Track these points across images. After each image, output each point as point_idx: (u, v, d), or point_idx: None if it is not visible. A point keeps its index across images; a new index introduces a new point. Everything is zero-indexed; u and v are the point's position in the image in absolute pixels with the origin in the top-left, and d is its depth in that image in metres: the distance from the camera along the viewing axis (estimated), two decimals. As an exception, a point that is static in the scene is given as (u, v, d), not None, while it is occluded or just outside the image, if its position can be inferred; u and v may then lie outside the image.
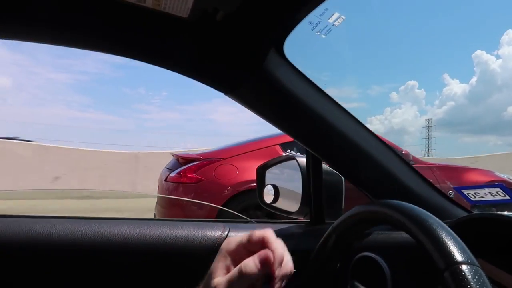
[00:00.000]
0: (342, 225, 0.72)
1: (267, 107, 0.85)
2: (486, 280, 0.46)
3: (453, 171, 4.02)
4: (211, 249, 0.88)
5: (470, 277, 0.46)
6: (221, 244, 0.88)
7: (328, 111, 0.86)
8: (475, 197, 1.15)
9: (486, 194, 1.13)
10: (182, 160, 3.63)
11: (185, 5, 0.63)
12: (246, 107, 0.84)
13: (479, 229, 0.77)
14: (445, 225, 0.54)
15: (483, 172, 4.07)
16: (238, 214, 1.31)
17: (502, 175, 4.10)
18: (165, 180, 3.56)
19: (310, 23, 0.70)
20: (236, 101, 0.83)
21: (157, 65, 0.78)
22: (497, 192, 1.12)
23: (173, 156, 4.05)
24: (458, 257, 0.49)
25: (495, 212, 0.75)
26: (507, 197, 1.11)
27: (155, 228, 0.91)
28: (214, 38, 0.71)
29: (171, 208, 3.49)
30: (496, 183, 1.05)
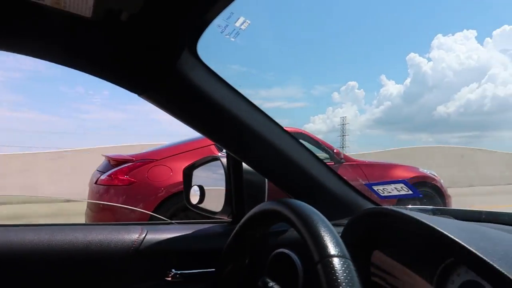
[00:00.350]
0: (247, 223, 0.74)
1: (182, 109, 0.84)
2: (354, 273, 0.49)
3: (381, 168, 4.25)
4: (127, 253, 0.86)
5: (339, 269, 0.49)
6: (137, 247, 0.87)
7: (244, 112, 0.86)
8: (383, 192, 1.19)
9: (393, 190, 1.18)
10: (113, 162, 3.48)
11: (86, 4, 0.61)
12: (161, 109, 0.83)
13: (378, 222, 0.80)
14: (326, 221, 0.57)
15: (408, 168, 4.35)
16: (158, 216, 1.29)
17: (425, 170, 4.41)
18: (96, 183, 3.39)
19: (219, 26, 0.71)
20: (150, 103, 0.82)
21: (65, 65, 0.75)
22: (401, 188, 1.18)
23: (104, 157, 3.86)
24: (331, 250, 0.51)
25: (389, 207, 0.79)
26: (410, 192, 1.17)
27: (66, 234, 0.86)
28: (122, 39, 0.70)
29: (101, 212, 3.34)
30: (400, 180, 1.10)
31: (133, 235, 0.89)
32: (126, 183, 3.24)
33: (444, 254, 0.68)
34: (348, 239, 0.84)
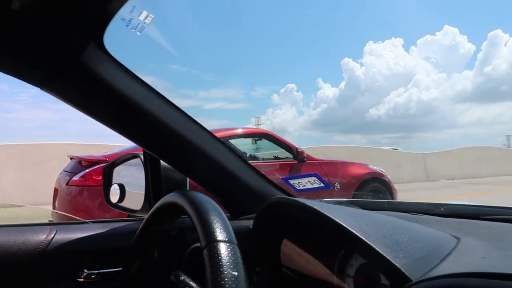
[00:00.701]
0: (151, 218, 0.75)
1: (92, 104, 0.81)
2: (239, 258, 0.51)
3: (339, 165, 4.60)
4: (32, 254, 0.82)
5: (224, 253, 0.51)
6: (44, 248, 0.83)
7: (158, 109, 0.83)
8: (299, 186, 1.33)
9: (307, 183, 1.34)
10: (85, 163, 3.47)
11: None
12: (67, 103, 0.78)
13: (284, 212, 0.83)
14: (218, 209, 0.59)
15: (362, 166, 4.74)
16: (72, 215, 1.25)
17: (375, 167, 4.83)
18: (67, 184, 3.37)
19: (123, 19, 0.69)
20: (55, 97, 0.77)
21: None
22: (314, 180, 1.37)
23: (71, 159, 3.82)
24: (218, 236, 0.53)
25: (292, 198, 0.81)
26: (322, 184, 1.42)
27: None
28: (16, 29, 0.64)
29: (78, 214, 3.33)
30: (312, 173, 1.04)
31: (40, 236, 0.85)
32: (85, 183, 3.27)
33: (343, 241, 0.71)
34: (259, 228, 0.88)
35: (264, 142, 4.34)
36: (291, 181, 1.31)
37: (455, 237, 0.73)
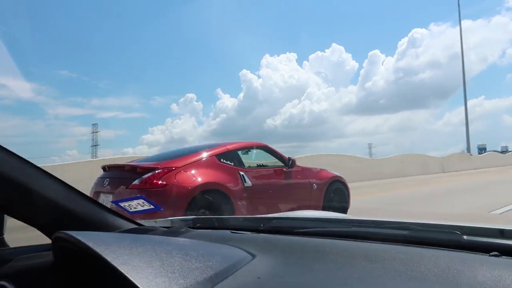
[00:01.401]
0: None
1: None
2: None
3: (314, 171, 5.88)
4: None
5: None
6: None
7: None
8: (131, 208, 1.18)
9: (137, 205, 1.18)
10: (140, 170, 4.23)
11: None
12: None
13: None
14: None
15: (328, 171, 6.10)
16: None
17: (335, 172, 6.24)
18: (127, 187, 4.10)
19: None
20: None
21: None
22: (143, 203, 1.19)
23: (104, 169, 4.56)
24: None
25: (77, 232, 0.72)
26: (152, 206, 1.19)
27: None
28: None
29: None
30: (139, 195, 0.97)
31: None
32: (160, 186, 4.08)
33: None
34: (60, 262, 0.81)
35: (262, 153, 5.48)
36: (122, 204, 1.46)
37: (251, 254, 0.78)
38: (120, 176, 4.41)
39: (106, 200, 4.33)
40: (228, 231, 1.05)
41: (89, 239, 0.68)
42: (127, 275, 0.57)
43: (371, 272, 0.69)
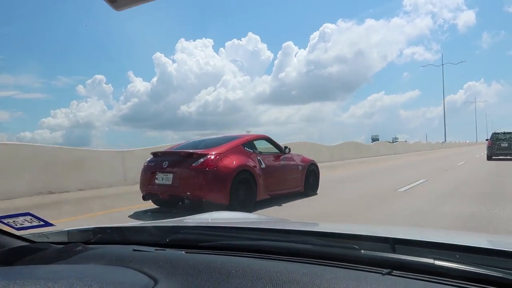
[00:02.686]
0: None
1: None
2: None
3: (297, 157, 7.63)
4: None
5: None
6: None
7: None
8: (16, 225, 1.12)
9: (24, 221, 1.12)
10: (196, 155, 5.60)
11: None
12: None
13: None
14: None
15: (305, 157, 7.91)
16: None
17: (310, 158, 8.09)
18: (188, 168, 5.47)
19: None
20: None
21: None
22: (31, 219, 1.12)
23: (154, 154, 5.93)
24: None
25: None
26: (41, 222, 1.13)
27: None
28: None
29: (197, 188, 5.49)
30: (26, 212, 1.08)
31: None
32: (212, 166, 5.51)
33: None
34: None
35: (264, 142, 7.11)
36: (5, 220, 1.03)
37: (154, 279, 0.76)
38: (176, 159, 5.72)
39: (165, 177, 5.65)
40: (129, 248, 1.01)
41: None
42: None
43: None
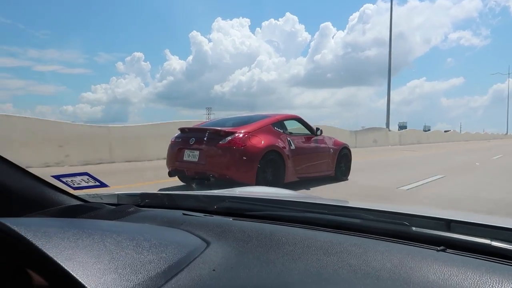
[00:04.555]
0: None
1: None
2: None
3: (331, 139, 7.34)
4: None
5: None
6: None
7: None
8: (74, 184, 1.15)
9: (81, 181, 1.15)
10: (223, 133, 5.44)
11: None
12: None
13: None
14: None
15: (337, 140, 7.60)
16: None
17: (342, 141, 7.77)
18: (215, 146, 5.32)
19: None
20: None
21: None
22: (88, 179, 1.16)
23: (181, 130, 5.83)
24: None
25: (12, 227, 0.60)
26: (97, 183, 1.16)
27: None
28: None
29: (225, 166, 5.34)
30: (84, 172, 1.13)
31: None
32: (240, 145, 5.34)
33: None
34: None
35: (295, 123, 6.85)
36: (64, 179, 1.14)
37: (206, 241, 0.77)
38: (203, 137, 5.56)
39: (191, 154, 5.54)
40: (179, 212, 1.03)
41: (28, 229, 0.60)
42: (72, 273, 0.53)
43: (327, 266, 0.68)
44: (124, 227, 0.87)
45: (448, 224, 0.82)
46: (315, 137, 6.83)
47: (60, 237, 0.62)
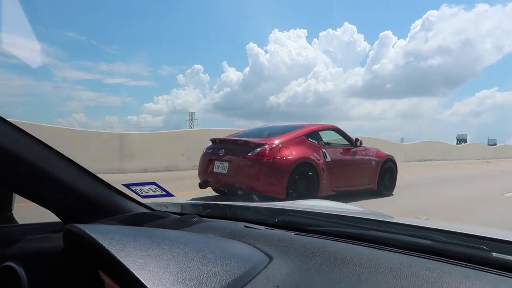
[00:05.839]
0: None
1: None
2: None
3: (373, 150, 6.93)
4: None
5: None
6: None
7: None
8: (142, 192, 1.18)
9: (148, 190, 1.18)
10: (252, 144, 5.29)
11: None
12: None
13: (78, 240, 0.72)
14: None
15: (380, 151, 7.16)
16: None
17: (387, 152, 7.30)
18: (244, 158, 5.18)
19: None
20: None
21: None
22: (155, 188, 1.19)
23: (213, 141, 5.74)
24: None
25: (87, 226, 0.70)
26: (163, 192, 1.19)
27: None
28: None
29: (251, 177, 5.18)
30: (151, 181, 1.20)
31: None
32: (269, 157, 5.15)
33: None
34: (67, 252, 0.80)
35: (332, 133, 6.54)
36: (133, 188, 1.28)
37: (268, 256, 0.76)
38: (233, 148, 5.46)
39: (221, 166, 5.43)
40: (240, 224, 1.04)
41: (104, 237, 0.65)
42: (144, 282, 0.56)
43: None
44: (190, 237, 0.89)
45: None
46: (354, 148, 6.46)
47: (133, 245, 0.65)
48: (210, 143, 5.98)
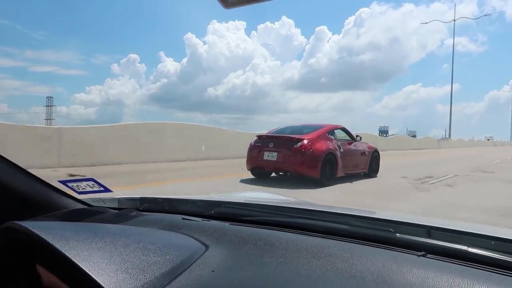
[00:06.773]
0: None
1: None
2: None
3: (364, 144, 9.26)
4: None
5: None
6: None
7: None
8: (79, 189, 1.17)
9: (86, 187, 1.18)
10: (295, 139, 7.36)
11: None
12: None
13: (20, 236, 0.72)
14: None
15: (370, 144, 9.51)
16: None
17: (373, 145, 9.67)
18: (290, 149, 7.24)
19: None
20: None
21: None
22: (92, 185, 1.18)
23: (259, 137, 7.81)
24: None
25: (33, 230, 0.68)
26: (101, 188, 1.19)
27: None
28: None
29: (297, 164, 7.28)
30: (89, 177, 1.15)
31: None
32: (309, 149, 7.25)
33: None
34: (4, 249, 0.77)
35: (340, 131, 8.78)
36: (70, 184, 1.11)
37: (205, 245, 0.81)
38: (279, 142, 7.54)
39: (270, 155, 7.45)
40: (178, 216, 1.07)
41: (47, 232, 0.66)
42: (89, 273, 0.58)
43: (315, 269, 0.72)
44: (131, 230, 0.92)
45: (429, 231, 0.85)
46: (355, 142, 8.76)
47: (76, 239, 0.68)
48: (256, 138, 8.00)
